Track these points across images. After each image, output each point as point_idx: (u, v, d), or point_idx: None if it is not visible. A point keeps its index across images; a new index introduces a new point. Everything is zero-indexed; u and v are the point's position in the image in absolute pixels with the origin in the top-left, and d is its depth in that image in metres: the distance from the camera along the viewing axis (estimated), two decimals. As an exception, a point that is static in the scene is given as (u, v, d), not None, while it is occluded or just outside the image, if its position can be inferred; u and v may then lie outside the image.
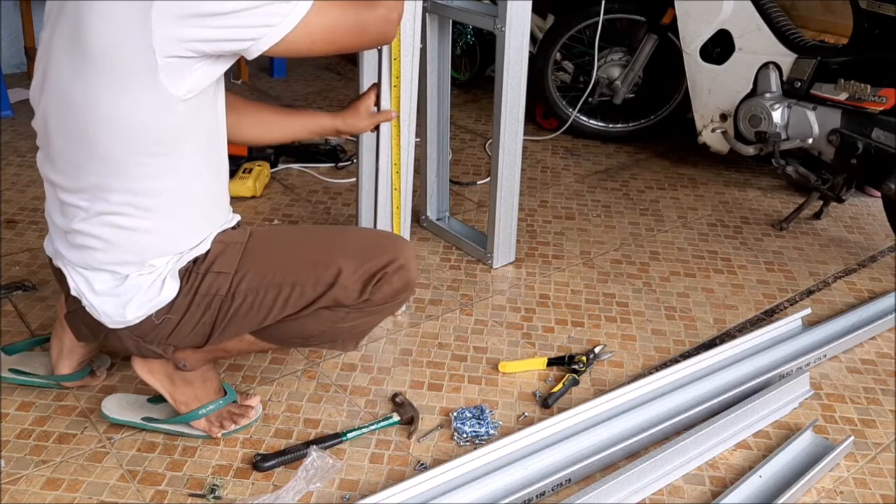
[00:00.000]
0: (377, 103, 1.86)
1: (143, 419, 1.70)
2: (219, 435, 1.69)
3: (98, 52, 1.28)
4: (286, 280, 1.51)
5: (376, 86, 1.86)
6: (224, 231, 1.55)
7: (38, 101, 1.42)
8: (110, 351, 1.86)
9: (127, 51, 1.27)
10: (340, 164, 3.09)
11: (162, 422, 1.69)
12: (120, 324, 1.49)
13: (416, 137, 2.43)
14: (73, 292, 1.50)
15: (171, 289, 1.47)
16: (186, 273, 1.49)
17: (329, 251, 1.55)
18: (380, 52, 1.85)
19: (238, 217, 1.63)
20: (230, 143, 1.61)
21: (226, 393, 1.73)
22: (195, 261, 1.49)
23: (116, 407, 1.72)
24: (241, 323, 1.54)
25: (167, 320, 1.49)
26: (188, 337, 1.54)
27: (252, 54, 1.34)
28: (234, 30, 1.29)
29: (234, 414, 1.72)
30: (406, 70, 1.86)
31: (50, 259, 1.57)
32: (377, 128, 1.90)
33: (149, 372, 1.66)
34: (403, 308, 2.18)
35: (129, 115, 1.31)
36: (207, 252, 1.50)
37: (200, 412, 1.68)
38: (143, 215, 1.42)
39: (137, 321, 1.48)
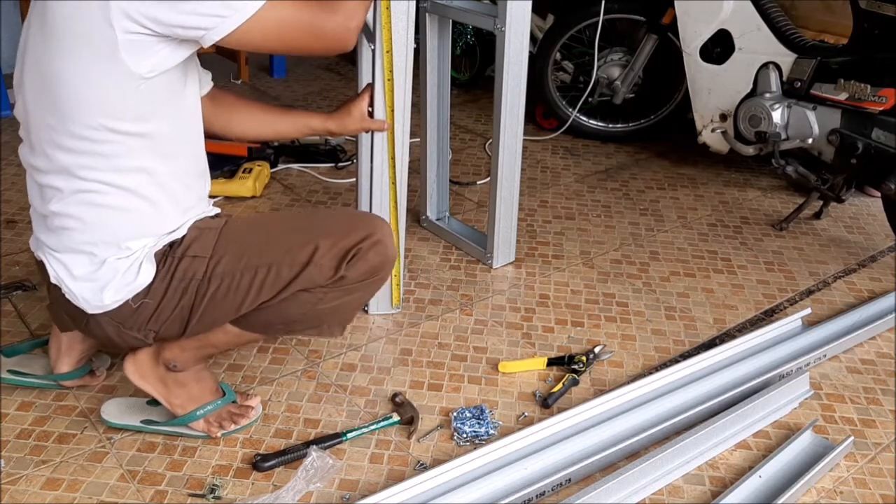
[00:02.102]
0: (371, 104, 1.87)
1: (142, 422, 1.70)
2: (218, 435, 1.69)
3: (64, 28, 1.33)
4: (262, 262, 1.52)
5: (370, 87, 1.87)
6: (201, 219, 1.57)
7: (20, 89, 1.45)
8: (109, 350, 1.87)
9: (89, 26, 1.31)
10: (340, 164, 3.09)
11: (161, 424, 1.69)
12: (98, 308, 1.50)
13: (416, 137, 2.44)
14: (52, 280, 1.51)
15: (148, 273, 1.49)
16: (163, 257, 1.50)
17: (304, 232, 1.56)
18: (373, 52, 1.86)
19: (217, 210, 1.65)
20: (221, 137, 1.66)
21: (224, 393, 1.73)
22: (171, 245, 1.51)
23: (115, 411, 1.72)
24: (219, 307, 1.54)
25: (145, 305, 1.51)
26: (167, 323, 1.55)
27: (206, 43, 1.37)
28: (186, 16, 1.32)
29: (233, 414, 1.72)
30: (399, 68, 1.86)
31: (34, 254, 1.59)
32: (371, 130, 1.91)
33: (141, 377, 1.67)
34: (399, 308, 2.18)
35: (94, 88, 1.35)
36: (183, 237, 1.52)
37: (198, 413, 1.68)
38: (118, 193, 1.44)
39: (116, 306, 1.49)
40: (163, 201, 1.49)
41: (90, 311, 1.50)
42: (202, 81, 1.73)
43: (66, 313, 1.57)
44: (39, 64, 1.38)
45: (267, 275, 1.52)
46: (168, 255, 1.50)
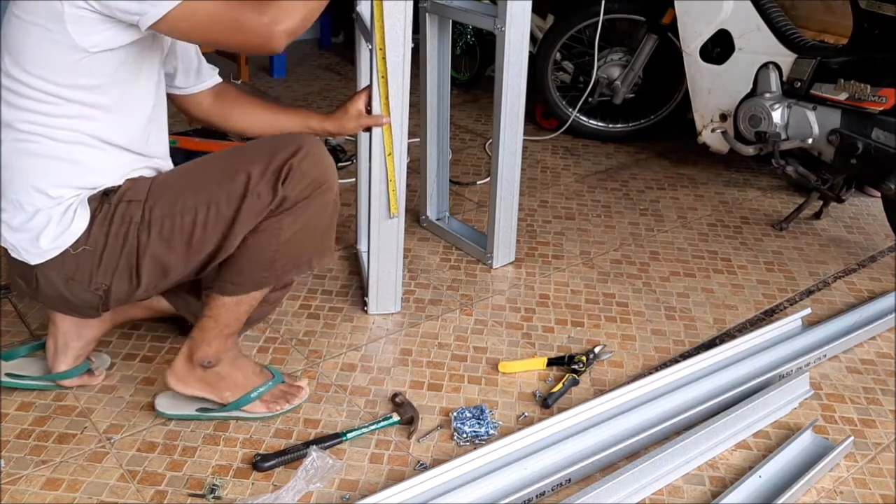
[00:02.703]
0: (368, 104, 1.88)
1: (197, 410, 1.73)
2: (278, 411, 1.73)
3: None
4: (199, 201, 1.54)
5: (369, 87, 1.88)
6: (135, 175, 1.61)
7: None
8: (124, 321, 1.86)
9: None
10: (340, 164, 3.09)
11: (217, 410, 1.72)
12: (38, 257, 1.52)
13: (416, 137, 2.44)
14: (1, 242, 1.56)
15: (82, 218, 1.52)
16: (98, 204, 1.53)
17: (232, 165, 1.57)
18: (371, 52, 1.86)
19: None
20: (216, 128, 1.70)
21: (273, 376, 1.77)
22: (105, 193, 1.55)
23: (169, 402, 1.74)
24: (165, 253, 1.55)
25: (86, 252, 1.53)
26: (116, 275, 1.56)
27: (142, 27, 1.43)
28: (119, 0, 1.39)
29: (286, 394, 1.77)
30: (396, 67, 1.86)
31: None
32: (370, 128, 1.92)
33: (184, 385, 1.70)
34: (400, 306, 2.18)
35: (40, 51, 1.43)
36: (118, 186, 1.56)
37: (252, 395, 1.71)
38: (52, 144, 1.50)
39: (55, 253, 1.52)
40: (98, 160, 1.54)
41: (31, 261, 1.53)
42: (206, 75, 1.79)
43: (18, 275, 1.60)
44: (4, 28, 1.46)
45: (207, 213, 1.54)
46: (104, 203, 1.54)
